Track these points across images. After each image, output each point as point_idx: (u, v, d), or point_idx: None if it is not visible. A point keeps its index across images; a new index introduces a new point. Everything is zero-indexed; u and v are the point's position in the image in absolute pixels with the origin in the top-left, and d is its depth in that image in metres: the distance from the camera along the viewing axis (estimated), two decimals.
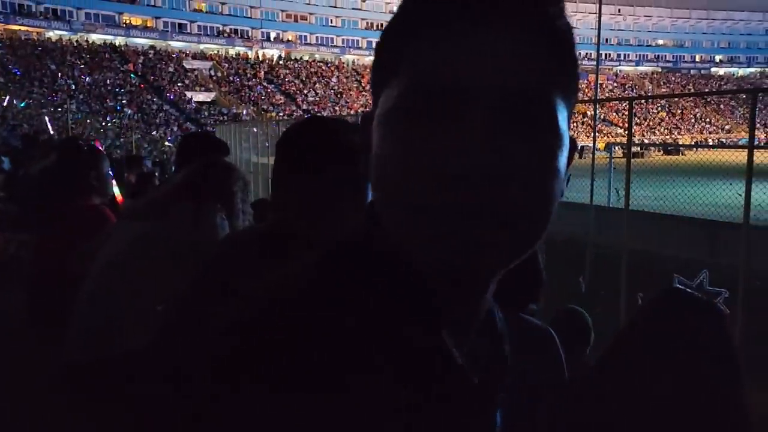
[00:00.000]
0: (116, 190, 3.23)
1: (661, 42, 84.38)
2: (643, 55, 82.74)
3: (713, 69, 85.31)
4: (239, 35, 64.47)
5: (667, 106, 70.27)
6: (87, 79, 47.94)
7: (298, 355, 0.49)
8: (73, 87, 45.63)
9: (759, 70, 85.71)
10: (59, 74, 46.68)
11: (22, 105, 33.33)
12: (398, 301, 0.55)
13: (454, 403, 0.55)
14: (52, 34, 52.92)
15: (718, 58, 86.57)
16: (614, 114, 63.25)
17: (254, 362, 0.49)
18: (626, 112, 7.54)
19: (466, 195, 0.49)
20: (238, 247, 1.40)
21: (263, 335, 0.50)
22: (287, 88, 59.84)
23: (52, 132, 19.93)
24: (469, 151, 0.48)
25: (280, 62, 64.11)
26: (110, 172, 3.16)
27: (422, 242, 0.51)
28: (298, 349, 0.50)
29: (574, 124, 62.21)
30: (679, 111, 70.96)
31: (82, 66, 49.61)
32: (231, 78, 58.60)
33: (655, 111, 69.61)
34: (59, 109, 31.80)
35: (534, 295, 2.28)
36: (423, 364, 0.54)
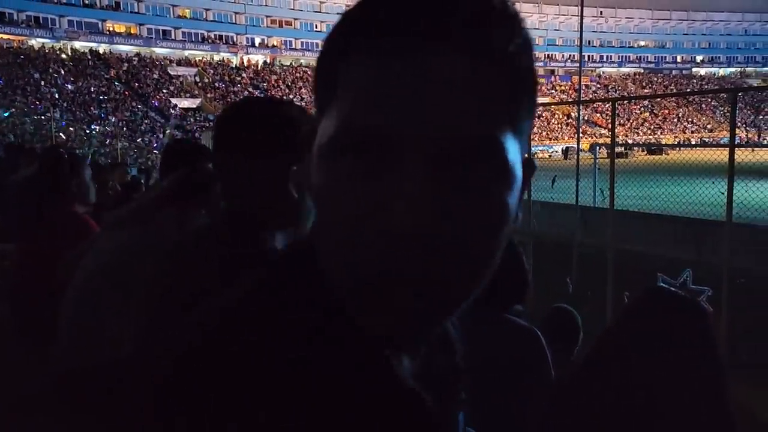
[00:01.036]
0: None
1: (642, 43, 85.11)
2: (626, 57, 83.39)
3: (694, 69, 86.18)
4: (224, 41, 64.22)
5: (649, 106, 70.90)
6: (70, 87, 47.55)
7: (239, 387, 0.45)
8: (57, 95, 45.22)
9: (739, 69, 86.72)
10: (42, 82, 46.24)
11: (6, 114, 32.96)
12: (340, 327, 0.49)
13: (408, 426, 0.51)
14: (35, 42, 52.44)
15: (698, 58, 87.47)
16: (598, 115, 63.73)
17: (193, 391, 0.45)
18: (609, 113, 7.59)
19: (395, 255, 0.44)
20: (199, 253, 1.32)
21: (204, 362, 0.46)
22: (273, 93, 59.75)
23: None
24: (401, 207, 0.43)
25: (266, 68, 63.98)
26: (92, 180, 3.14)
27: (350, 294, 0.48)
28: (238, 379, 0.45)
29: (559, 125, 62.83)
30: (661, 111, 71.61)
31: (66, 74, 49.20)
32: (216, 84, 58.37)
33: (638, 111, 70.21)
34: (42, 118, 31.51)
35: (519, 296, 2.29)
36: (371, 391, 0.49)
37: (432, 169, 0.44)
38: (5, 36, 51.07)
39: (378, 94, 0.45)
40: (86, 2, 56.91)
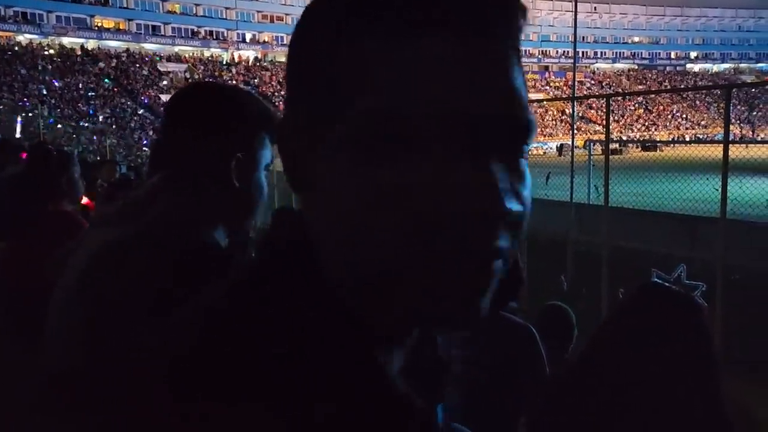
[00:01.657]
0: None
1: (636, 39, 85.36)
2: (620, 53, 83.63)
3: (688, 65, 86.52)
4: (214, 37, 64.01)
5: (644, 102, 71.10)
6: (58, 83, 47.27)
7: (235, 386, 0.44)
8: (45, 92, 44.94)
9: (733, 65, 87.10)
10: (30, 79, 45.97)
11: None
12: (326, 326, 0.48)
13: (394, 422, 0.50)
14: (22, 38, 52.10)
15: (692, 54, 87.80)
16: (592, 111, 63.84)
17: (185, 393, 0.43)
18: (604, 110, 7.59)
19: (463, 237, 0.44)
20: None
21: (199, 360, 0.45)
22: (264, 90, 59.53)
23: (19, 135, 19.57)
24: (447, 191, 0.43)
25: (257, 63, 63.79)
26: (81, 177, 3.11)
27: (397, 293, 0.46)
28: (233, 379, 0.44)
29: (553, 122, 62.96)
30: (655, 107, 71.83)
31: (54, 70, 48.91)
32: (207, 80, 58.11)
33: (633, 108, 70.39)
34: (30, 115, 31.30)
35: (514, 293, 2.28)
36: (362, 395, 0.48)
37: (472, 151, 0.44)
38: None
39: (410, 77, 0.44)
40: None
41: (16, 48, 50.09)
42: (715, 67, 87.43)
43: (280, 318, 0.48)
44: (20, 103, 39.69)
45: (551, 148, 42.67)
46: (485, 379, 2.02)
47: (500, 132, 0.45)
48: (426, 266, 0.45)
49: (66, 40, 54.40)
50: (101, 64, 52.55)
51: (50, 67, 49.20)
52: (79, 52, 53.45)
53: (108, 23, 58.61)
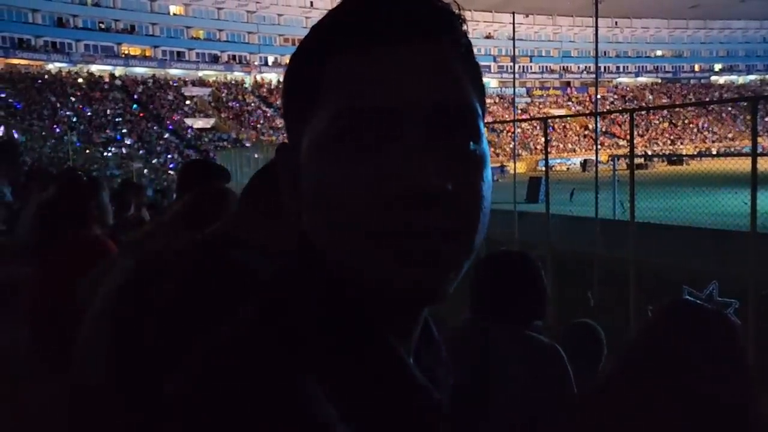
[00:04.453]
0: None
1: (659, 53, 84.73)
2: (642, 67, 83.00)
3: (713, 78, 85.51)
4: (237, 61, 64.95)
5: (668, 116, 70.34)
6: (87, 110, 48.28)
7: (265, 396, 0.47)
8: (74, 119, 45.92)
9: (759, 77, 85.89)
10: (59, 106, 47.02)
11: (22, 140, 33.40)
12: (345, 327, 0.55)
13: (421, 418, 0.56)
14: (52, 67, 53.37)
15: (717, 67, 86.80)
16: (616, 126, 63.39)
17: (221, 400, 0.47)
18: (627, 124, 7.52)
19: (413, 215, 0.50)
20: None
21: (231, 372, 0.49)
22: None
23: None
24: (409, 170, 0.50)
25: (279, 86, 64.51)
26: (109, 202, 3.16)
27: (375, 266, 0.52)
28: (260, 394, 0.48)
29: (576, 137, 62.57)
30: (680, 121, 71.04)
31: (82, 97, 49.97)
32: (230, 104, 58.92)
33: (657, 122, 69.71)
34: (60, 141, 31.96)
35: (538, 312, 2.26)
36: (388, 387, 0.54)
37: (428, 136, 0.52)
38: (24, 61, 52.02)
39: (373, 76, 0.52)
40: (102, 26, 57.97)
41: (46, 76, 51.31)
42: (741, 79, 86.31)
43: (305, 322, 0.54)
44: (50, 130, 40.59)
45: (575, 164, 42.37)
46: (512, 399, 1.99)
47: (440, 119, 0.53)
48: (377, 246, 0.52)
49: (94, 68, 55.60)
50: (128, 90, 53.62)
51: (79, 93, 50.31)
52: (107, 79, 54.60)
53: (134, 50, 59.74)
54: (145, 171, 34.53)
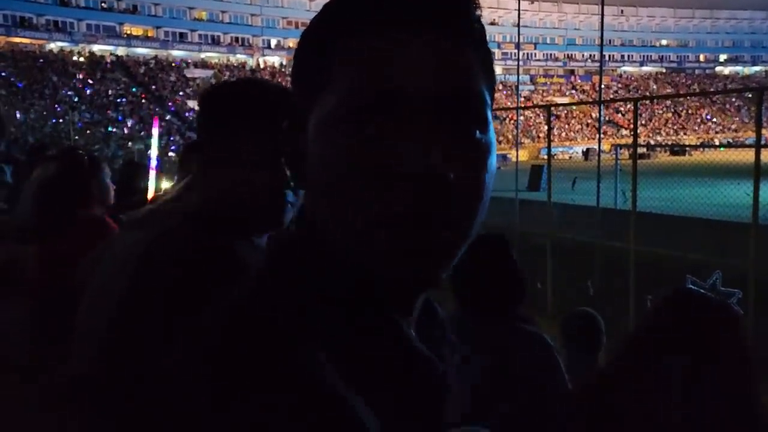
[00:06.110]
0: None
1: (664, 42, 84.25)
2: (647, 56, 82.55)
3: (718, 68, 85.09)
4: (240, 43, 64.62)
5: (672, 106, 70.09)
6: (89, 90, 48.06)
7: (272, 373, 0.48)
8: (75, 99, 45.76)
9: (764, 68, 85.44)
10: (61, 85, 46.83)
11: (23, 119, 33.28)
12: (351, 302, 0.55)
13: (427, 389, 0.56)
14: (54, 46, 53.09)
15: (722, 57, 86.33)
16: (619, 115, 63.17)
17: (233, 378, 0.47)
18: (631, 114, 7.50)
19: (415, 199, 0.50)
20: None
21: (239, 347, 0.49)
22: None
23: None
24: (415, 154, 0.50)
25: (282, 69, 64.30)
26: (110, 181, 3.14)
27: (373, 250, 0.53)
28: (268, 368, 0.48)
29: (579, 126, 62.39)
30: (684, 111, 70.80)
31: (84, 77, 49.76)
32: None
33: (661, 111, 69.46)
34: (61, 121, 31.83)
35: (518, 298, 2.25)
36: (395, 360, 0.55)
37: (434, 122, 0.52)
38: (25, 40, 51.69)
39: (382, 59, 0.52)
40: (104, 6, 57.59)
41: (48, 56, 51.06)
42: (746, 70, 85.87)
43: (304, 300, 0.54)
44: (51, 110, 40.47)
45: (577, 153, 42.29)
46: (501, 390, 1.99)
47: (447, 106, 0.53)
48: (377, 230, 0.52)
49: (96, 48, 55.32)
50: (130, 71, 53.38)
51: (80, 74, 50.09)
52: (108, 59, 54.34)
53: (137, 31, 59.41)
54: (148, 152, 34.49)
